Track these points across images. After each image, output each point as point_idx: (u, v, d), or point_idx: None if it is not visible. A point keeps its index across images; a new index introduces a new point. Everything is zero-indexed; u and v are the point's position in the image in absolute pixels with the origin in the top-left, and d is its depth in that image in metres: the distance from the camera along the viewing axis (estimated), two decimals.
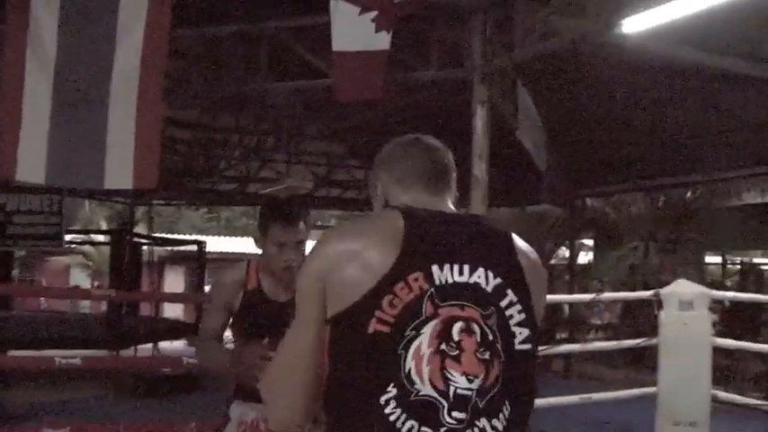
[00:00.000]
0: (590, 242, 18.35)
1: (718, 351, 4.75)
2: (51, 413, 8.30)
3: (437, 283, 1.39)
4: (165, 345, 14.70)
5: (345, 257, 1.42)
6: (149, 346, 14.11)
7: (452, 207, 1.59)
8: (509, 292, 1.41)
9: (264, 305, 2.63)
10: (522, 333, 1.40)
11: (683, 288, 4.60)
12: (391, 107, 7.49)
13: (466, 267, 1.41)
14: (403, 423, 1.33)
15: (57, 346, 12.01)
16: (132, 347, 13.24)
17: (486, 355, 1.36)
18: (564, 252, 19.77)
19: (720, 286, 14.96)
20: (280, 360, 1.54)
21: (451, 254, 1.42)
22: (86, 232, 18.17)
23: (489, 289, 1.40)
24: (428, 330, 1.35)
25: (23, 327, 11.41)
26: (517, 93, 6.29)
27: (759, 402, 4.40)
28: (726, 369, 8.81)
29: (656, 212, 15.22)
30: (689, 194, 15.05)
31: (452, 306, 1.37)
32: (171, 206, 19.52)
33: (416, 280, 1.39)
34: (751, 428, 4.99)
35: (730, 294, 4.79)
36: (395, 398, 1.34)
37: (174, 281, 23.25)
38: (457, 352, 1.34)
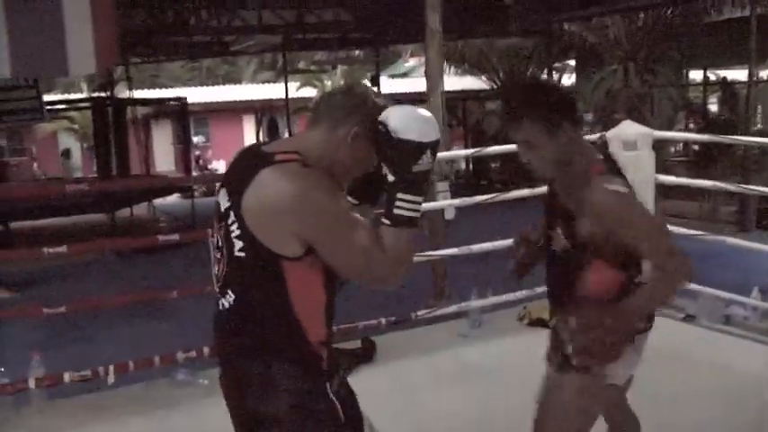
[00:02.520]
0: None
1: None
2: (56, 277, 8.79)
3: (220, 208, 1.91)
4: (158, 201, 15.12)
5: None
6: (144, 204, 14.54)
7: (316, 136, 1.90)
8: (232, 212, 1.84)
9: None
10: (238, 244, 1.83)
11: (626, 129, 4.77)
12: None
13: (225, 193, 1.90)
14: (219, 297, 1.93)
15: (55, 214, 12.42)
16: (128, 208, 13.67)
17: (219, 255, 1.91)
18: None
19: (701, 104, 15.19)
20: None
21: (224, 184, 1.93)
22: (66, 102, 18.01)
23: (223, 210, 1.88)
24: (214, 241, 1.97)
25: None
26: None
27: (697, 233, 4.70)
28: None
29: (635, 33, 15.08)
30: (668, 12, 14.87)
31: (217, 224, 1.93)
32: (149, 63, 19.25)
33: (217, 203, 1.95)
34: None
35: (670, 134, 4.94)
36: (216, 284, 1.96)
37: (162, 135, 23.39)
38: (216, 254, 1.94)
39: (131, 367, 3.80)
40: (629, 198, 2.17)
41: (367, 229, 1.82)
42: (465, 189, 15.65)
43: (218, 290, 1.94)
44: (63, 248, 3.51)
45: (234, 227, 1.83)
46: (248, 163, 1.86)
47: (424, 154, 1.77)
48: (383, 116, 1.82)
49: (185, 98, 14.03)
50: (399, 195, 1.80)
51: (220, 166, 23.56)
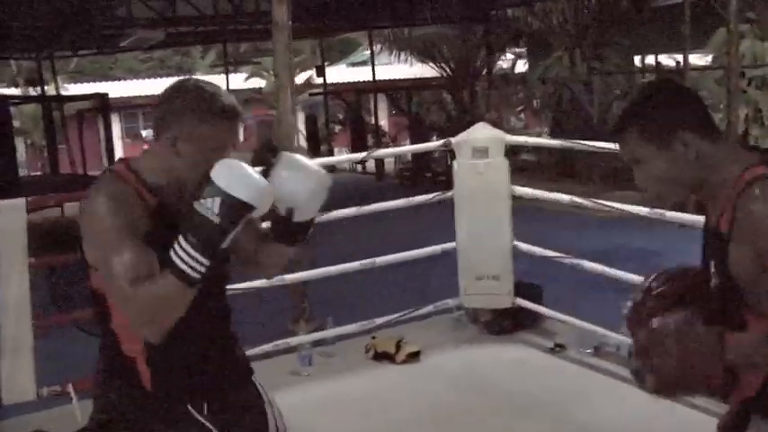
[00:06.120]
0: None
1: None
2: None
3: None
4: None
5: None
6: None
7: (152, 144, 1.79)
8: None
9: None
10: None
11: (476, 134, 4.18)
12: None
13: None
14: None
15: None
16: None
17: None
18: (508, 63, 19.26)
19: None
20: None
21: None
22: None
23: None
24: None
25: None
26: None
27: (556, 255, 4.11)
28: None
29: (581, 18, 14.49)
30: None
31: None
32: (77, 56, 18.55)
33: None
34: (552, 274, 4.77)
35: (522, 139, 4.35)
36: None
37: (115, 131, 22.82)
38: None
39: None
40: None
41: (140, 258, 1.61)
42: (410, 182, 15.16)
43: None
44: None
45: None
46: None
47: (212, 197, 1.55)
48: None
49: (106, 94, 13.32)
50: (180, 238, 1.58)
51: None
